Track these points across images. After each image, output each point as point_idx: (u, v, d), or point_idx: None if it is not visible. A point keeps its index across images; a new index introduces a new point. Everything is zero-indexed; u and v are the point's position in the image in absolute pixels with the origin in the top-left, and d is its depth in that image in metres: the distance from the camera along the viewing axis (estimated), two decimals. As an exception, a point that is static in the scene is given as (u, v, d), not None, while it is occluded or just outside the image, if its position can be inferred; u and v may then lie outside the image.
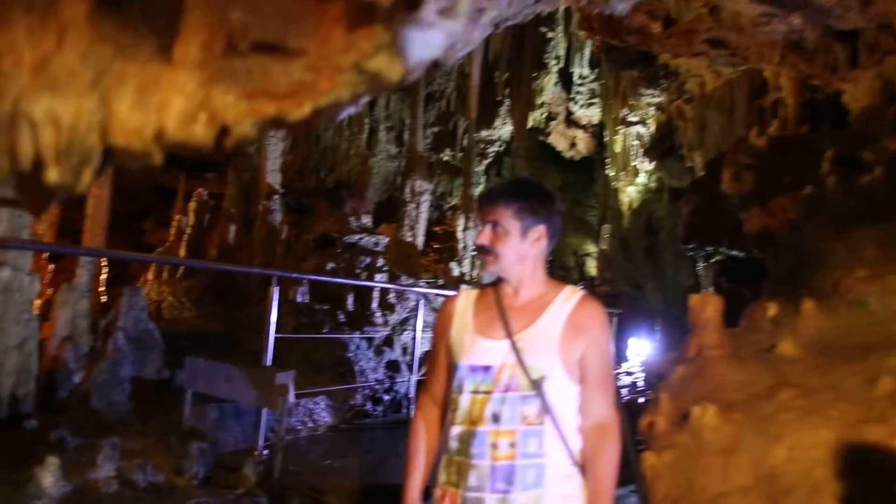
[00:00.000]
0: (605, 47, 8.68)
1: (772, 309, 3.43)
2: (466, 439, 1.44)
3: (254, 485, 4.04)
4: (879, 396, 2.27)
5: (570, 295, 1.53)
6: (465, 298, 1.61)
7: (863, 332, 2.90)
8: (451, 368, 1.53)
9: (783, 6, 5.10)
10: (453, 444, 1.47)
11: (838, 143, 5.11)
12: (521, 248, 1.50)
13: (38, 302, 5.56)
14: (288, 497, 4.05)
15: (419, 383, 5.87)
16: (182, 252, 8.54)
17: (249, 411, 4.42)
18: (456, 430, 1.47)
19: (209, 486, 3.89)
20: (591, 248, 16.62)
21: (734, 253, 8.16)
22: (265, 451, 4.26)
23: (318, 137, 11.15)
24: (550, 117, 14.28)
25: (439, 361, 1.59)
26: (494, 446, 1.42)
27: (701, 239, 8.64)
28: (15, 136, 1.10)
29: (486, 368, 1.46)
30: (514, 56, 11.42)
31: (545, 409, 1.43)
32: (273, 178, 8.53)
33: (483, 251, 1.51)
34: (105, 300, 8.09)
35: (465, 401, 1.46)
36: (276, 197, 8.36)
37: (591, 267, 16.55)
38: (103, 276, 9.37)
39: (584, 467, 1.46)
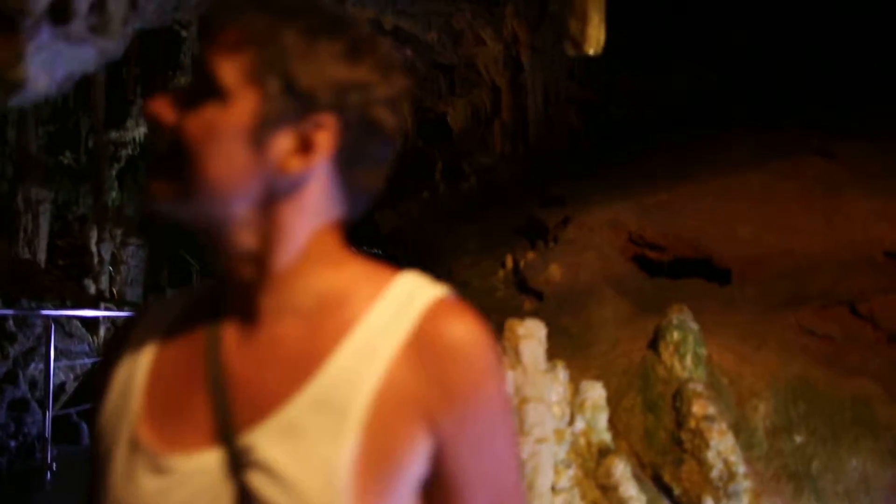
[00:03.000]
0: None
1: (403, 295, 4.14)
2: None
3: None
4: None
5: (405, 298, 0.56)
6: (151, 325, 0.62)
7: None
8: None
9: (398, 40, 6.07)
10: None
11: (445, 156, 6.31)
12: (259, 161, 0.54)
13: None
14: None
15: (55, 421, 5.14)
16: None
17: None
18: None
19: None
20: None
21: (375, 251, 9.26)
22: None
23: None
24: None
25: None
26: None
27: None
28: None
29: None
30: (146, 53, 10.67)
31: None
32: None
33: (154, 149, 0.58)
34: None
35: None
36: None
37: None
38: None
39: None
